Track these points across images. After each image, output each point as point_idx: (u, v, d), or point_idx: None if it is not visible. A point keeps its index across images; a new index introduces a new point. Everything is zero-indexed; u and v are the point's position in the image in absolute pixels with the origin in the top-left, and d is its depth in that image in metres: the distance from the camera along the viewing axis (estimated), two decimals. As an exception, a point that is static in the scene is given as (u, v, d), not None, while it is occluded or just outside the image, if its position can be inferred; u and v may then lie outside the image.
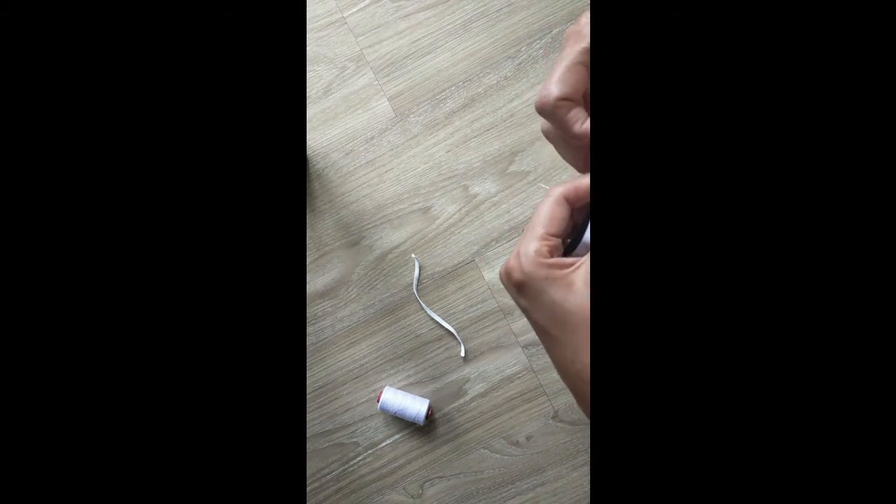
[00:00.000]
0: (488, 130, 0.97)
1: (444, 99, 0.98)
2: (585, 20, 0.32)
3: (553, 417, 0.95)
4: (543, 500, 0.95)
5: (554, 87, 0.32)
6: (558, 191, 0.32)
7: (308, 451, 0.97)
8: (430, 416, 0.93)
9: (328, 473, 0.97)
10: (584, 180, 0.32)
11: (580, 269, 0.30)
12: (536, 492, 0.94)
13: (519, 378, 0.95)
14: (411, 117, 0.98)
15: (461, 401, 0.96)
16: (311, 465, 0.97)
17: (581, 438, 0.94)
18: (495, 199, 0.96)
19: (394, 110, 0.98)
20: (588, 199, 0.32)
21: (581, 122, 0.32)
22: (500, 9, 0.98)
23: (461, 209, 0.97)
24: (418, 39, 0.98)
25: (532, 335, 0.94)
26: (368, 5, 0.99)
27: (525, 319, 0.88)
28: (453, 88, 0.98)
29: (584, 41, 0.32)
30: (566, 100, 0.32)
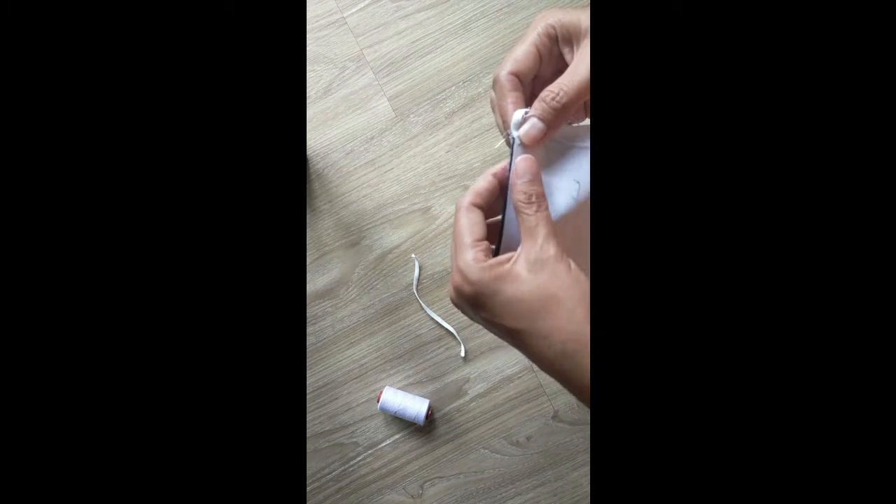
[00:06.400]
0: (488, 130, 0.97)
1: (444, 99, 0.98)
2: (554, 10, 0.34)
3: (553, 417, 0.95)
4: (543, 500, 0.95)
5: (508, 63, 0.34)
6: (465, 201, 0.34)
7: (308, 451, 0.97)
8: (430, 416, 0.93)
9: (328, 473, 0.97)
10: (479, 182, 0.34)
11: (519, 259, 0.31)
12: (536, 492, 0.94)
13: (519, 378, 0.95)
14: (411, 117, 0.98)
15: (461, 401, 0.96)
16: (311, 465, 0.97)
17: (581, 438, 0.94)
18: (495, 199, 0.96)
19: (394, 110, 0.98)
20: (493, 196, 0.34)
21: (509, 101, 0.34)
22: (500, 9, 0.97)
23: (461, 209, 0.97)
24: (418, 39, 0.98)
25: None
26: (368, 5, 0.99)
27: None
28: (453, 88, 0.98)
29: (542, 24, 0.34)
30: (514, 75, 0.34)
